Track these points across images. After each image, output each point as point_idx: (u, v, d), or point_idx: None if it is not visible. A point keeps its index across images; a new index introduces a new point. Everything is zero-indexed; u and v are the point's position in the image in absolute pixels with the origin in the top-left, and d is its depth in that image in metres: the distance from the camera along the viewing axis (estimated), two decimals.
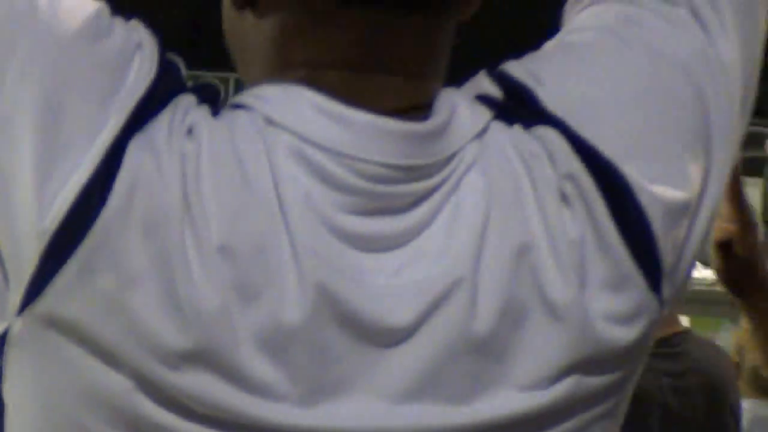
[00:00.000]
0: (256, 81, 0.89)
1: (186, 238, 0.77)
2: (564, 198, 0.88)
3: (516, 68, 0.93)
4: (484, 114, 0.89)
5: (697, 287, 8.72)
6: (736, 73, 1.01)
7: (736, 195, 2.86)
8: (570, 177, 0.87)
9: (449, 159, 0.85)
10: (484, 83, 0.92)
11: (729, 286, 3.20)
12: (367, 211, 0.82)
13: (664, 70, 0.93)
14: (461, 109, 0.89)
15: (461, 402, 0.84)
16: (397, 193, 0.83)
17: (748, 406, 4.62)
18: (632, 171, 0.88)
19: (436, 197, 0.84)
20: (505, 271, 0.84)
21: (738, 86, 1.01)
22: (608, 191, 0.88)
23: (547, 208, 0.86)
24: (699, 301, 8.24)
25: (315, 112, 0.82)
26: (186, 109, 0.82)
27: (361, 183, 0.81)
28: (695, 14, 0.97)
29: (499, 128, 0.89)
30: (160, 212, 0.78)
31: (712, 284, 6.25)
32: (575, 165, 0.87)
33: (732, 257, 3.04)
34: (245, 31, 0.92)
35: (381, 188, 0.82)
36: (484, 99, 0.90)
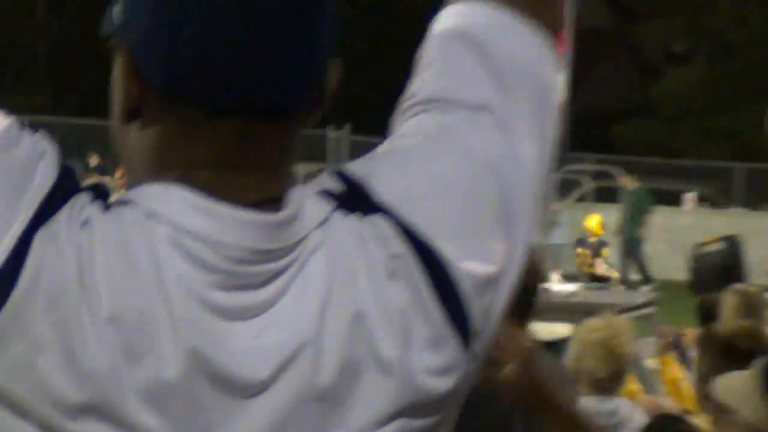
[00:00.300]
0: (142, 181, 1.09)
1: (81, 310, 0.94)
2: (392, 273, 1.12)
3: (355, 167, 1.21)
4: (327, 206, 1.13)
5: (555, 299, 9.20)
6: (533, 169, 1.30)
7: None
8: (397, 256, 1.11)
9: (297, 244, 1.08)
10: (327, 181, 1.17)
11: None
12: (232, 287, 1.05)
13: (474, 168, 1.18)
14: (308, 202, 1.13)
15: None
16: (255, 272, 1.05)
17: (587, 404, 5.36)
18: (448, 250, 1.12)
19: (287, 275, 1.07)
20: (344, 335, 1.06)
21: (535, 180, 1.30)
22: (428, 267, 1.12)
23: (378, 282, 1.08)
24: (556, 310, 7.14)
25: (187, 206, 1.04)
26: (82, 205, 1.01)
27: (226, 264, 1.03)
28: (499, 122, 1.24)
29: (339, 217, 1.12)
30: (60, 290, 0.96)
31: (569, 296, 8.85)
32: (402, 246, 1.10)
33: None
34: (132, 141, 1.16)
35: (242, 268, 1.04)
36: (327, 193, 1.14)
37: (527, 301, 4.47)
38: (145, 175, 1.07)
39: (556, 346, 8.38)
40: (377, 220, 1.08)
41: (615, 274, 19.54)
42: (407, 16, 44.50)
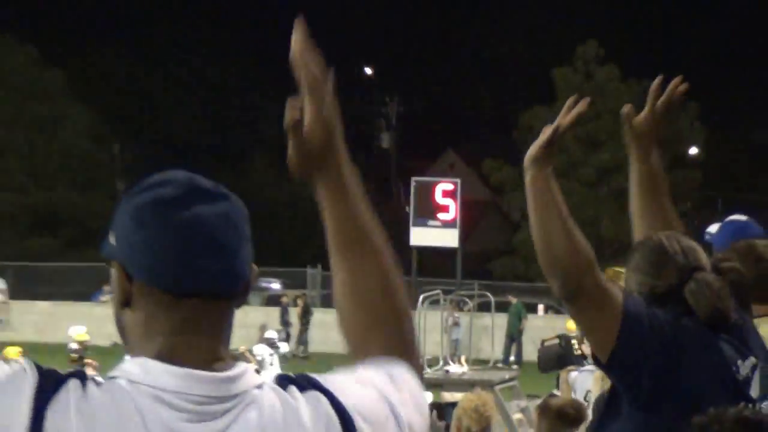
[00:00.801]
0: (136, 351, 1.14)
1: None
2: (318, 427, 1.17)
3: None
4: (266, 378, 1.21)
5: (453, 376, 9.34)
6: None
7: None
8: (328, 417, 1.18)
9: (239, 395, 1.13)
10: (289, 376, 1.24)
11: None
12: (195, 420, 1.10)
13: (379, 396, 1.21)
14: (249, 371, 1.19)
15: None
16: (211, 411, 1.10)
17: None
18: (359, 422, 1.18)
19: (233, 412, 1.12)
20: None
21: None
22: (346, 427, 1.17)
23: None
24: (452, 383, 7.28)
25: (159, 370, 1.09)
26: (75, 386, 1.06)
27: (191, 406, 1.08)
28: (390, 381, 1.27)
29: (271, 386, 1.17)
30: None
31: (461, 374, 9.08)
32: (331, 413, 1.18)
33: None
34: (126, 320, 1.18)
35: (202, 408, 1.09)
36: (281, 377, 1.23)
37: None
38: (137, 345, 1.15)
39: (448, 408, 8.78)
40: (316, 394, 1.19)
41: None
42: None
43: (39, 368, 1.11)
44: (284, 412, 1.15)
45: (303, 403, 1.18)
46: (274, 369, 12.65)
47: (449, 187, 22.72)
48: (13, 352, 9.41)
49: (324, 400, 1.20)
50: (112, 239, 1.18)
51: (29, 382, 1.06)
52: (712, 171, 41.35)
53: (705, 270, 2.69)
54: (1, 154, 34.88)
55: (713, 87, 47.31)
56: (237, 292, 1.17)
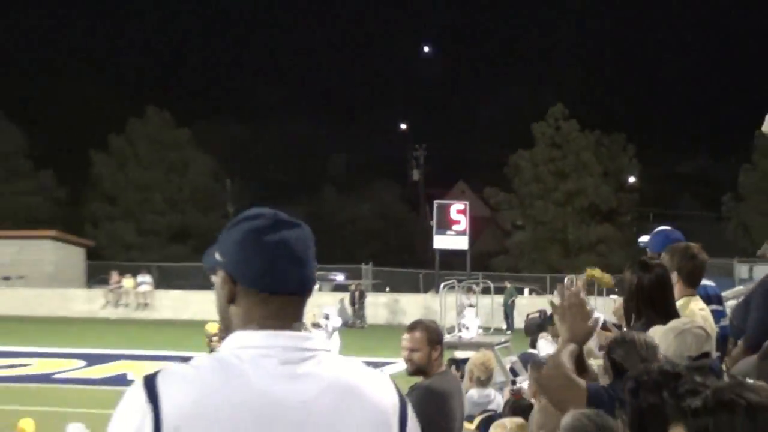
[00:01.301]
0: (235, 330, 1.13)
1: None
2: (380, 392, 1.18)
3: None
4: (329, 345, 1.99)
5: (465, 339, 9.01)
6: None
7: None
8: (389, 392, 1.20)
9: (314, 350, 1.14)
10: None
11: None
12: (283, 363, 1.11)
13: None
14: (319, 336, 1.53)
15: None
16: (294, 358, 1.12)
17: (474, 393, 5.56)
18: (411, 413, 1.21)
19: (310, 362, 1.14)
20: (330, 402, 1.11)
21: None
22: (402, 408, 1.20)
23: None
24: (465, 345, 7.06)
25: (255, 334, 1.11)
26: (179, 365, 1.10)
27: (280, 353, 1.11)
28: None
29: (335, 354, 1.25)
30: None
31: (471, 338, 8.86)
32: (393, 392, 1.19)
33: None
34: (231, 313, 1.17)
35: (286, 355, 1.11)
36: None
37: None
38: (237, 327, 1.15)
39: (461, 363, 8.66)
40: (386, 377, 1.27)
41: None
42: None
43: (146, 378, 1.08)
44: (350, 368, 1.16)
45: (369, 371, 1.22)
46: (334, 337, 12.48)
47: (461, 207, 24.35)
48: (213, 327, 9.02)
49: (390, 382, 1.23)
50: (218, 256, 1.19)
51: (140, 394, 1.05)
52: (646, 194, 41.16)
53: None
54: (148, 188, 35.91)
55: (646, 132, 50.79)
56: (308, 291, 1.19)
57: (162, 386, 1.02)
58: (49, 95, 50.41)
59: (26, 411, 8.16)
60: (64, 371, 14.01)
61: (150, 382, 1.03)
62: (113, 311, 25.96)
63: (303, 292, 1.18)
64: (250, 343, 1.09)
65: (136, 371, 12.39)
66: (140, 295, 26.11)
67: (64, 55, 60.48)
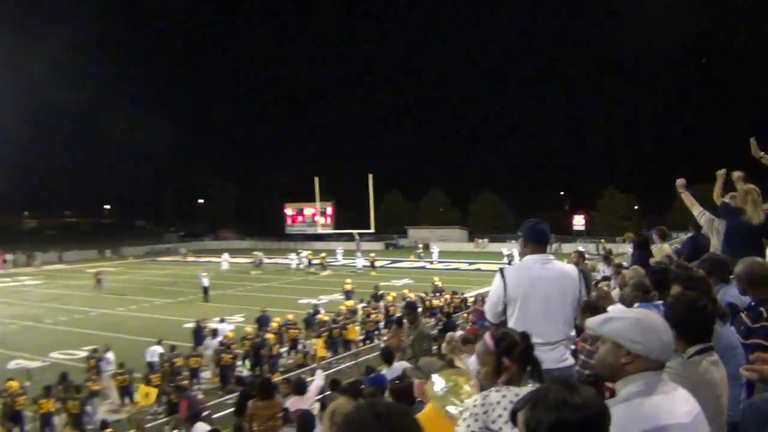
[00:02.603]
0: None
1: None
2: (573, 275, 3.01)
3: None
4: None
5: None
6: None
7: None
8: (574, 272, 3.01)
9: (553, 259, 2.47)
10: None
11: None
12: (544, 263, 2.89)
13: None
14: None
15: None
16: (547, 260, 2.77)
17: None
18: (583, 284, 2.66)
19: (554, 262, 2.73)
20: None
21: None
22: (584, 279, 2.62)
23: None
24: None
25: (530, 258, 3.18)
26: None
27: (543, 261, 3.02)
28: None
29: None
30: None
31: None
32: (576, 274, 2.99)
33: None
34: (525, 251, 3.11)
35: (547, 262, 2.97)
36: None
37: None
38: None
39: None
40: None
41: None
42: None
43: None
44: (561, 263, 3.26)
45: (566, 264, 3.41)
46: None
47: None
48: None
49: (574, 266, 3.37)
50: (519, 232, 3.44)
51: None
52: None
53: None
54: None
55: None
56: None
57: (506, 271, 3.26)
58: None
59: None
60: None
61: (501, 270, 3.25)
62: None
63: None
64: (531, 259, 3.23)
65: None
66: None
67: None
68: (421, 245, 47.59)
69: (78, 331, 22.13)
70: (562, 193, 68.63)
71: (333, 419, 3.25)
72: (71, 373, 14.41)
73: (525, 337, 2.26)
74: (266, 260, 41.99)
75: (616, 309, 4.06)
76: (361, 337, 18.87)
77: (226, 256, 42.26)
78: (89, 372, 13.92)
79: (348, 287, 25.89)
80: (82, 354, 17.06)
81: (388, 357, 6.63)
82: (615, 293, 6.25)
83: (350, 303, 21.86)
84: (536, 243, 3.19)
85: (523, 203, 64.23)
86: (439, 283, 25.73)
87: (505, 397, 2.08)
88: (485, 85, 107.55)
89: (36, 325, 23.72)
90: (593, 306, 3.76)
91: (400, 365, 6.47)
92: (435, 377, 2.43)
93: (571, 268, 3.21)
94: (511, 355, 2.16)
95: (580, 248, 13.81)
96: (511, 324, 3.04)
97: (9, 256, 46.05)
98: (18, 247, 51.51)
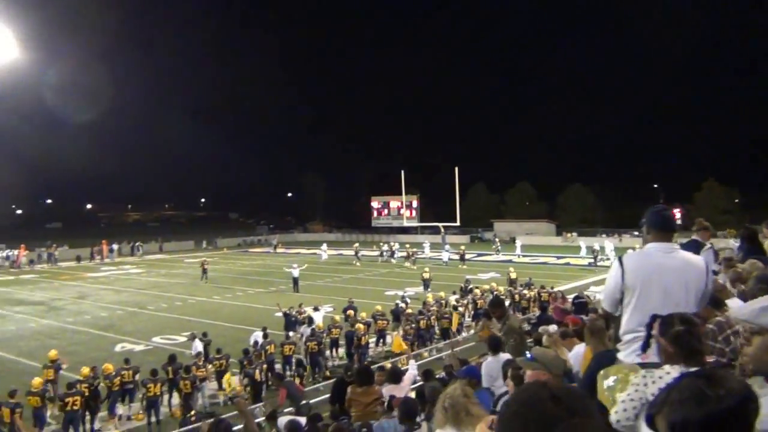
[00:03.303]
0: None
1: None
2: (701, 266, 2.84)
3: None
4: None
5: None
6: None
7: None
8: (701, 264, 2.76)
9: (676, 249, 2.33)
10: None
11: None
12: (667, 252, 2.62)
13: None
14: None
15: None
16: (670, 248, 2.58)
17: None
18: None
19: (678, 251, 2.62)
20: None
21: None
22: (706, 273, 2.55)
23: None
24: None
25: (654, 246, 2.92)
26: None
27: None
28: None
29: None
30: None
31: None
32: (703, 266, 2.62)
33: None
34: (648, 238, 2.84)
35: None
36: None
37: None
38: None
39: None
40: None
41: None
42: None
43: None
44: (688, 254, 2.98)
45: (694, 255, 3.09)
46: None
47: None
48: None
49: (702, 259, 3.06)
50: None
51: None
52: None
53: None
54: None
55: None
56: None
57: (624, 258, 3.02)
58: None
59: None
60: None
61: (620, 258, 3.00)
62: None
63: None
64: (653, 247, 2.98)
65: None
66: None
67: None
68: (498, 239, 47.02)
69: (178, 318, 23.14)
70: (656, 185, 65.89)
71: (443, 404, 3.20)
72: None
73: (685, 320, 2.26)
74: (363, 252, 42.71)
75: (736, 303, 3.77)
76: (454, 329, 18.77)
77: (324, 246, 44.37)
78: (197, 358, 14.48)
79: (426, 275, 27.52)
80: (182, 339, 17.80)
81: (495, 346, 6.51)
82: None
83: (430, 296, 21.80)
84: (661, 230, 2.95)
85: (614, 196, 62.15)
86: (513, 275, 26.36)
87: (669, 374, 2.08)
88: (573, 75, 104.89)
89: (139, 311, 25.01)
90: (714, 299, 3.50)
91: (504, 356, 6.32)
92: (605, 371, 2.49)
93: (698, 259, 2.98)
94: (666, 336, 2.23)
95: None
96: (627, 314, 2.86)
97: (115, 246, 48.86)
98: (122, 238, 54.65)
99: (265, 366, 14.27)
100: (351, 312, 19.13)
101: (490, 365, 6.19)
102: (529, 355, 3.01)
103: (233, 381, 13.96)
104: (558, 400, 1.03)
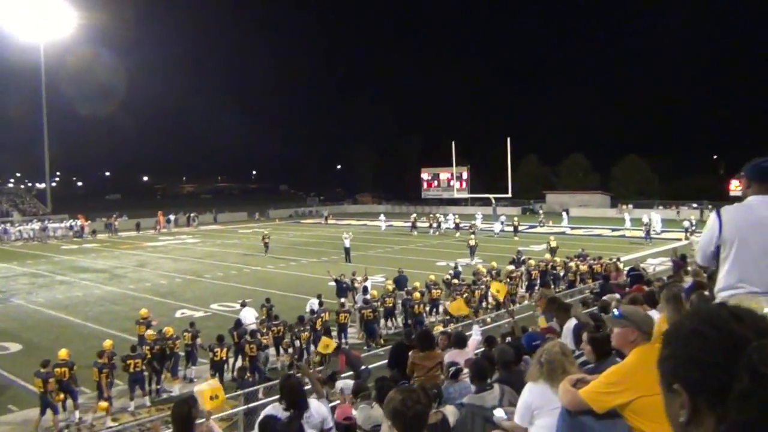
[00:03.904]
0: None
1: None
2: None
3: None
4: None
5: None
6: None
7: None
8: None
9: None
10: None
11: None
12: None
13: None
14: None
15: None
16: None
17: None
18: None
19: None
20: None
21: None
22: None
23: None
24: None
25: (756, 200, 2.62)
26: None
27: None
28: None
29: None
30: None
31: None
32: None
33: None
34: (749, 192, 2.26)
35: None
36: None
37: None
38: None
39: None
40: None
41: None
42: None
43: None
44: None
45: None
46: None
47: None
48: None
49: None
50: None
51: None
52: None
53: None
54: None
55: None
56: None
57: (723, 210, 2.74)
58: None
59: None
60: None
61: (718, 210, 2.73)
62: None
63: None
64: (755, 199, 2.65)
65: None
66: None
67: None
68: (542, 211, 46.27)
69: (233, 286, 23.67)
70: (715, 156, 63.39)
71: (540, 358, 3.15)
72: (228, 323, 15.49)
73: None
74: (420, 224, 42.96)
75: None
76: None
77: (382, 217, 45.69)
78: (261, 325, 14.75)
79: (472, 242, 28.88)
80: (238, 306, 18.24)
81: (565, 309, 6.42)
82: None
83: (482, 267, 21.56)
84: (762, 182, 2.71)
85: (671, 167, 60.07)
86: (554, 244, 27.78)
87: None
88: (627, 44, 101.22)
89: (197, 279, 25.69)
90: None
91: (572, 321, 6.20)
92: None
93: None
94: None
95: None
96: (724, 269, 2.67)
97: (171, 217, 50.16)
98: (179, 209, 56.03)
99: (306, 334, 14.42)
100: (400, 283, 18.88)
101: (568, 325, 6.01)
102: (616, 312, 2.88)
103: (331, 343, 13.54)
104: (741, 320, 0.93)
